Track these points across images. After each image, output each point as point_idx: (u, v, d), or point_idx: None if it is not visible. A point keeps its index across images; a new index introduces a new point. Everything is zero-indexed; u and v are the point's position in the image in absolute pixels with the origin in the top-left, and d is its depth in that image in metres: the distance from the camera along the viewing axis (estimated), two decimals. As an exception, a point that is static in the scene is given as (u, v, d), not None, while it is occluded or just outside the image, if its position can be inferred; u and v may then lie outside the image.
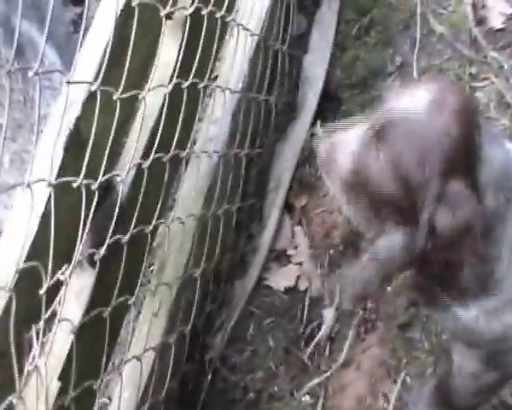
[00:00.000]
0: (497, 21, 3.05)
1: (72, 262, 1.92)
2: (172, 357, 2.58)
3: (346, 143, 1.90)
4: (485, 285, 1.90)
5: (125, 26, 1.94)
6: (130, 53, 1.95)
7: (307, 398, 2.71)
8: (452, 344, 2.34)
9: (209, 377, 2.77)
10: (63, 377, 1.96)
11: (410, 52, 3.03)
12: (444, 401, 2.45)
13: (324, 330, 2.77)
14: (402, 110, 1.78)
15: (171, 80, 2.21)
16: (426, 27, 3.06)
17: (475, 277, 1.86)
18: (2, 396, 1.73)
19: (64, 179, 1.76)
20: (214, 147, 2.65)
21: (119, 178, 2.04)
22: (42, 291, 1.76)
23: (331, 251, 2.88)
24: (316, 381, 2.71)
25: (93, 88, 1.80)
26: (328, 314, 2.78)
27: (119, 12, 1.93)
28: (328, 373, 2.72)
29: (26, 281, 1.69)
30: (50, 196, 1.72)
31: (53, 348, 1.88)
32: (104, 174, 1.92)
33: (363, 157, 1.83)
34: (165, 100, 2.20)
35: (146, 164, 2.12)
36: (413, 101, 1.77)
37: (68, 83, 1.76)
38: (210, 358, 2.79)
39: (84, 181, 1.80)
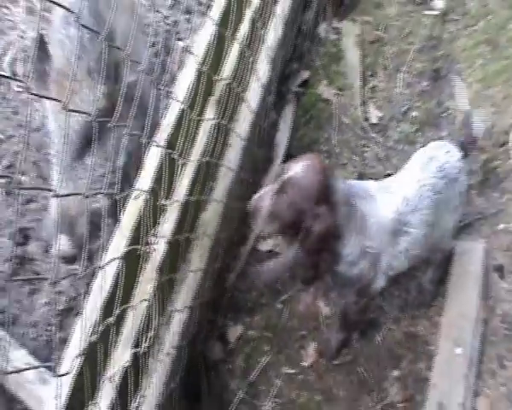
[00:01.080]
0: (374, 119, 3.29)
1: (171, 199, 2.22)
2: (209, 280, 2.69)
3: (264, 196, 2.09)
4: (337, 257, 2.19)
5: (197, 83, 2.19)
6: (199, 97, 2.23)
7: (280, 306, 2.89)
8: (343, 291, 2.49)
9: (227, 295, 2.93)
10: (160, 268, 2.10)
11: (331, 132, 3.25)
12: (344, 324, 2.64)
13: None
14: (291, 175, 2.03)
15: (216, 118, 2.42)
16: (339, 120, 3.28)
17: (332, 254, 2.17)
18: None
19: (170, 151, 2.05)
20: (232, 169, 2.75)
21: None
22: (158, 203, 2.06)
23: (291, 232, 3.15)
24: (284, 297, 2.91)
25: (184, 106, 2.10)
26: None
27: (195, 78, 2.20)
28: (291, 293, 2.91)
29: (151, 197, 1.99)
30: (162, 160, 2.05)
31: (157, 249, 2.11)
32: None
33: (275, 203, 2.05)
34: (213, 126, 2.41)
35: (203, 160, 2.36)
36: (296, 169, 2.03)
37: (172, 98, 2.09)
38: (227, 285, 2.95)
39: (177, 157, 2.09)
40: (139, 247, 1.91)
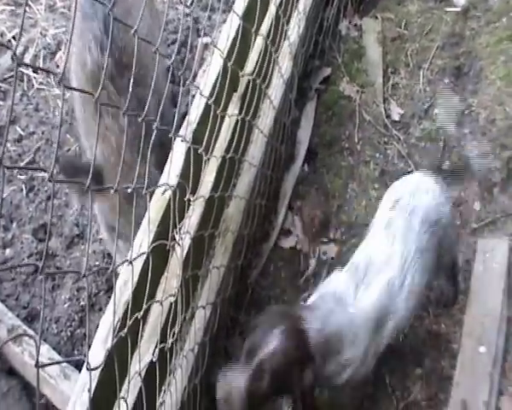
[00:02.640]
0: (396, 116, 3.25)
1: (196, 194, 2.20)
2: (232, 277, 2.70)
3: (235, 385, 1.84)
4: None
5: (222, 79, 2.15)
6: (224, 92, 2.21)
7: (303, 302, 2.63)
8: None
9: (249, 291, 2.92)
10: (185, 264, 2.05)
11: (353, 129, 3.22)
12: None
13: (310, 269, 2.94)
14: (265, 353, 1.84)
15: (240, 114, 2.39)
16: (361, 117, 3.25)
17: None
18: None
19: (196, 146, 2.01)
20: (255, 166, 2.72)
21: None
22: (186, 198, 2.03)
23: (313, 230, 3.01)
24: (306, 294, 2.78)
25: (210, 102, 2.06)
26: (312, 263, 2.96)
27: (220, 73, 2.14)
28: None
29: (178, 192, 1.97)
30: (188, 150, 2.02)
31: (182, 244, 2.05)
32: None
33: (252, 388, 1.81)
34: (237, 122, 2.38)
35: (227, 156, 2.32)
36: (269, 345, 1.84)
37: (199, 94, 2.06)
38: (250, 281, 2.94)
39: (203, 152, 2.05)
40: (166, 242, 1.88)
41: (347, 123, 3.27)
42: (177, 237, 2.00)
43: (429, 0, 3.64)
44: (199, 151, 2.05)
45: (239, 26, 2.26)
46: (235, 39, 2.26)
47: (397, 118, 3.28)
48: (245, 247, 2.80)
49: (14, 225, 3.17)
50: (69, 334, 2.86)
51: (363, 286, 2.09)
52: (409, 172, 3.06)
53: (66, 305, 2.95)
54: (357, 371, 2.08)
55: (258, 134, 2.72)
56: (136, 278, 1.71)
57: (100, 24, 2.53)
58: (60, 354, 2.65)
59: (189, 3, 3.18)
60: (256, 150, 2.74)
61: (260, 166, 2.76)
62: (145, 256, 1.73)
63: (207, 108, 2.11)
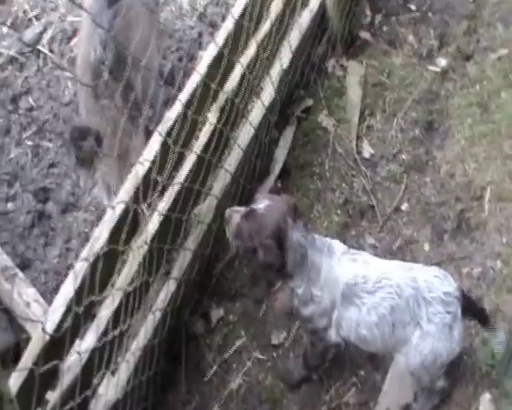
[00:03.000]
0: (366, 154, 3.70)
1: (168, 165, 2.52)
2: (198, 263, 3.11)
3: (236, 214, 2.53)
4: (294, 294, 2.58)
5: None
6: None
7: (259, 298, 3.34)
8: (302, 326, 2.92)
9: (214, 280, 3.41)
10: (152, 240, 2.48)
11: (325, 158, 3.64)
12: (305, 364, 2.97)
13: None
14: (256, 208, 2.47)
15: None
16: (334, 148, 3.68)
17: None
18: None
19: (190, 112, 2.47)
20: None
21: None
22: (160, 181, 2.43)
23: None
24: (264, 292, 3.33)
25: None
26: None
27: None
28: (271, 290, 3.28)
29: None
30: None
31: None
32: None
33: (238, 225, 2.50)
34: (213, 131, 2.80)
35: (219, 125, 2.81)
36: (261, 204, 2.48)
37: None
38: (215, 272, 3.42)
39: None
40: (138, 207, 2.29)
41: (321, 151, 3.68)
42: (145, 211, 2.43)
43: (413, 56, 4.08)
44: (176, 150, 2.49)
45: (217, 52, 2.72)
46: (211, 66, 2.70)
47: (367, 156, 3.70)
48: (213, 240, 3.21)
49: (18, 183, 3.76)
50: (55, 285, 3.35)
51: (350, 260, 2.57)
52: (370, 206, 3.56)
53: (55, 260, 3.52)
54: (320, 319, 2.58)
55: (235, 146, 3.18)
56: (117, 215, 2.17)
57: (104, 31, 3.03)
58: (45, 300, 3.07)
59: (194, 19, 3.73)
60: (233, 159, 3.22)
61: (235, 173, 3.22)
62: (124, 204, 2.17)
63: (184, 109, 2.54)
